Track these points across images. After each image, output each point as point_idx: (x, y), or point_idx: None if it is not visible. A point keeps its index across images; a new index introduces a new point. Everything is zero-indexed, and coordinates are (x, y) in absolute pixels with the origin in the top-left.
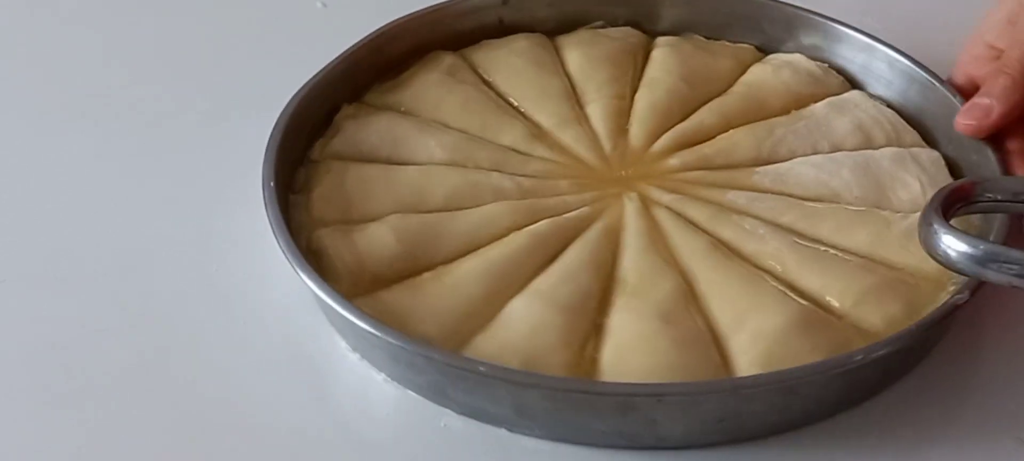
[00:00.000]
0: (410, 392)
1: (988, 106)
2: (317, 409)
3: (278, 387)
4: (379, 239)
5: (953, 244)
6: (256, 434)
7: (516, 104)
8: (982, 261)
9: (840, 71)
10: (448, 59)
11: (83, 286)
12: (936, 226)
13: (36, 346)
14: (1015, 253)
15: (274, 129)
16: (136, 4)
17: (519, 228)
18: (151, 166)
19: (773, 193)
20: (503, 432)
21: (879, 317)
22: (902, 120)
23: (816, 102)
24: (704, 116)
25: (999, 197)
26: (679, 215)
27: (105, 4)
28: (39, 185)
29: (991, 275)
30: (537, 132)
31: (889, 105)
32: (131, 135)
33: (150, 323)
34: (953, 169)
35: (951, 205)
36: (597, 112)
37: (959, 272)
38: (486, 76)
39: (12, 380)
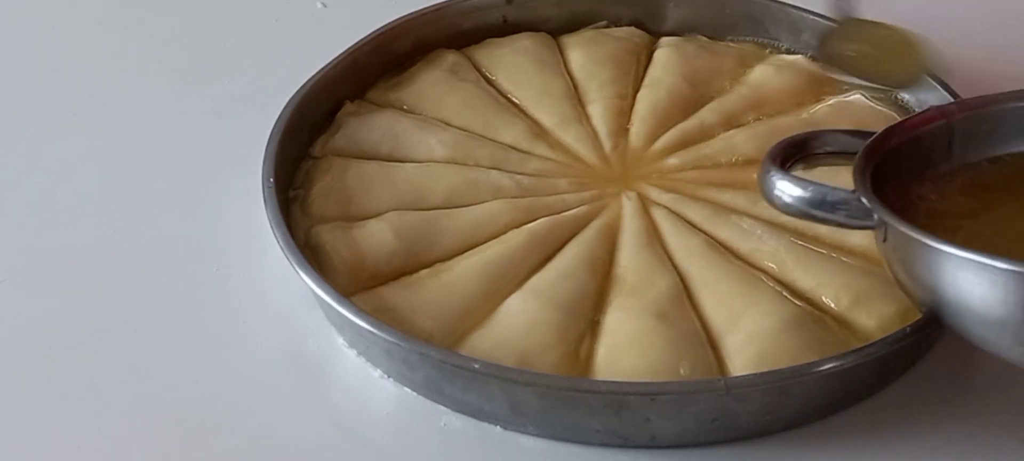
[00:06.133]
0: (407, 389)
1: None
2: (315, 405)
3: (276, 383)
4: (378, 236)
5: (787, 189)
6: (254, 430)
7: (518, 103)
8: (812, 203)
9: None
10: (451, 57)
11: (83, 285)
12: (771, 173)
13: (36, 346)
14: (842, 193)
15: (275, 127)
16: (135, 3)
17: (517, 226)
18: (151, 165)
19: None
20: (498, 429)
21: (875, 318)
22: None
23: (818, 103)
24: (705, 116)
25: (835, 149)
26: (677, 214)
27: (104, 4)
28: (39, 185)
29: (821, 216)
30: (538, 131)
31: (891, 107)
32: (132, 134)
33: (149, 321)
34: None
35: (788, 155)
36: (598, 111)
37: (794, 215)
38: (489, 75)
39: (12, 380)
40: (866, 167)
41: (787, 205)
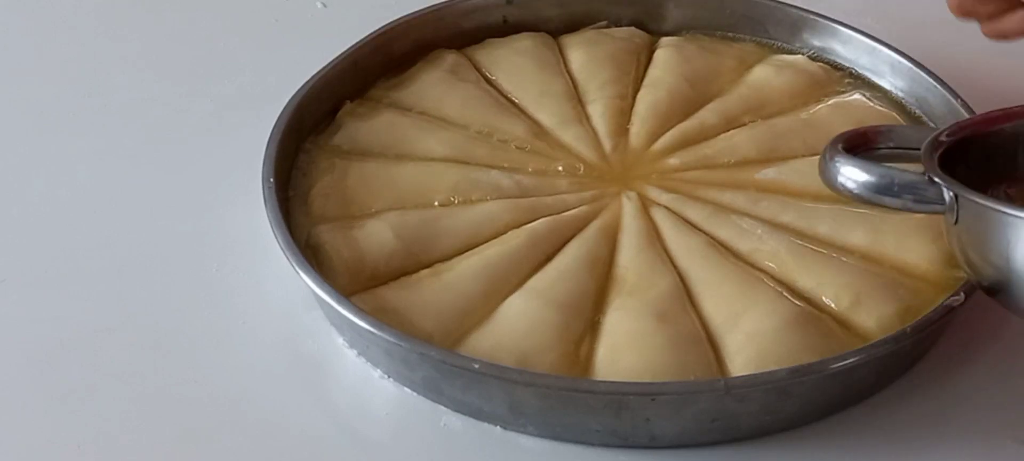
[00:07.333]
0: (407, 389)
1: None
2: (315, 405)
3: (276, 383)
4: (378, 236)
5: (852, 174)
6: (254, 430)
7: (518, 103)
8: (879, 188)
9: (843, 72)
10: (451, 57)
11: (83, 285)
12: (837, 159)
13: (37, 346)
14: (910, 176)
15: (275, 126)
16: (136, 3)
17: (518, 226)
18: (151, 165)
19: (772, 193)
20: (498, 430)
21: (875, 318)
22: (903, 122)
23: (818, 103)
24: (705, 116)
25: (898, 145)
26: (677, 214)
27: (104, 4)
28: (39, 185)
29: (889, 201)
30: (538, 131)
31: (891, 107)
32: (132, 135)
33: (149, 321)
34: None
35: (853, 145)
36: (598, 111)
37: (860, 201)
38: (489, 75)
39: (13, 380)
40: (933, 152)
41: (852, 191)
